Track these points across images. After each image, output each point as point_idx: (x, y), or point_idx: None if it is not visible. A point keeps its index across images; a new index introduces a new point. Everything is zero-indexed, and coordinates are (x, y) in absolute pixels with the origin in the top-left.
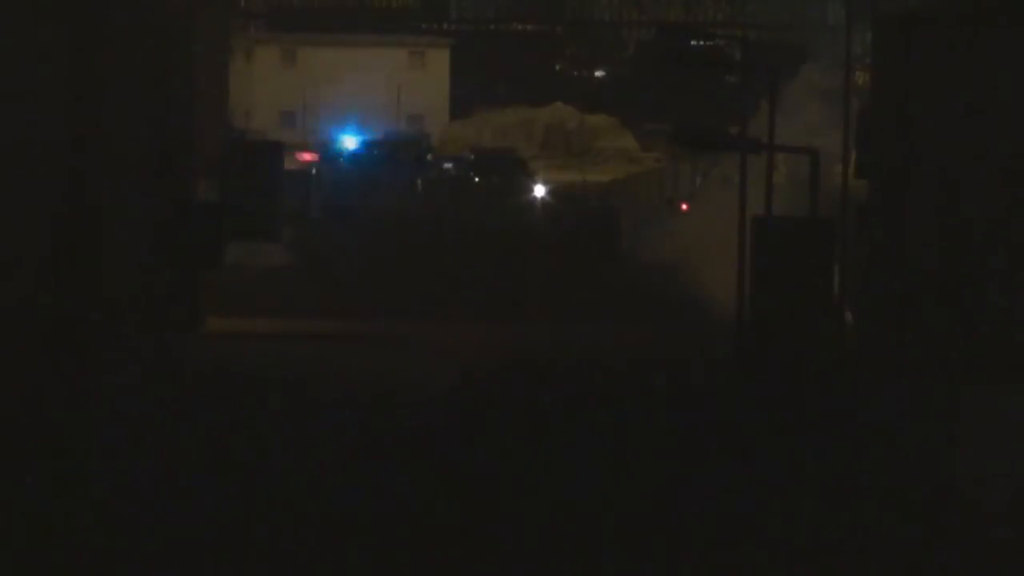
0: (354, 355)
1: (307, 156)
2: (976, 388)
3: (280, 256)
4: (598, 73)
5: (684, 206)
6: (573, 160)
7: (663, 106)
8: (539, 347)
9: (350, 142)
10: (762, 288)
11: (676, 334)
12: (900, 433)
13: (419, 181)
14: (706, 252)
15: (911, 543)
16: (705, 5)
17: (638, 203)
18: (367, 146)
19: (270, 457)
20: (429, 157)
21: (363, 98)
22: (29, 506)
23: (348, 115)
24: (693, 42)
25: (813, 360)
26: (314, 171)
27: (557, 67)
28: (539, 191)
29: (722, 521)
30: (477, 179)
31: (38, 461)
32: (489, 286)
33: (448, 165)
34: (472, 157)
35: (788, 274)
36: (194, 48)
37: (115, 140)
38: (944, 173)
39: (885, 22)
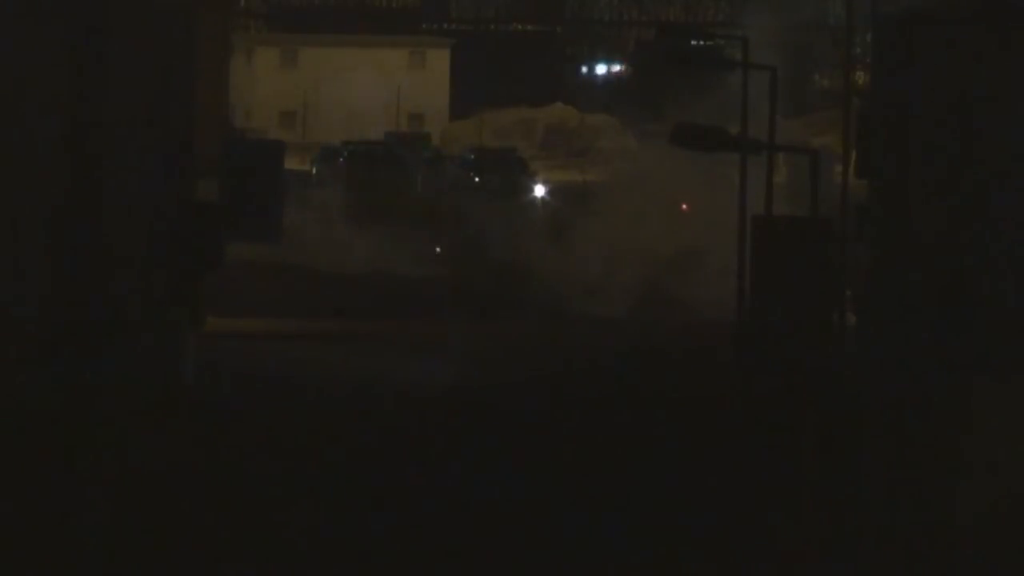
0: (354, 355)
1: None
2: (978, 386)
3: (280, 256)
4: (598, 73)
5: (684, 206)
6: (573, 160)
7: (663, 106)
8: (537, 345)
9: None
10: (761, 287)
11: (675, 333)
12: (902, 431)
13: (419, 180)
14: (706, 251)
15: (914, 540)
16: (705, 5)
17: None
18: (367, 146)
19: (270, 457)
20: (428, 155)
21: (363, 98)
22: (29, 506)
23: (348, 115)
24: (693, 42)
25: (813, 357)
26: (314, 171)
27: (557, 67)
28: (539, 191)
29: (720, 520)
30: (477, 179)
31: (38, 461)
32: (488, 285)
33: (448, 165)
34: (472, 157)
35: (788, 273)
36: (194, 48)
37: (115, 140)
38: (945, 172)
39: (885, 22)
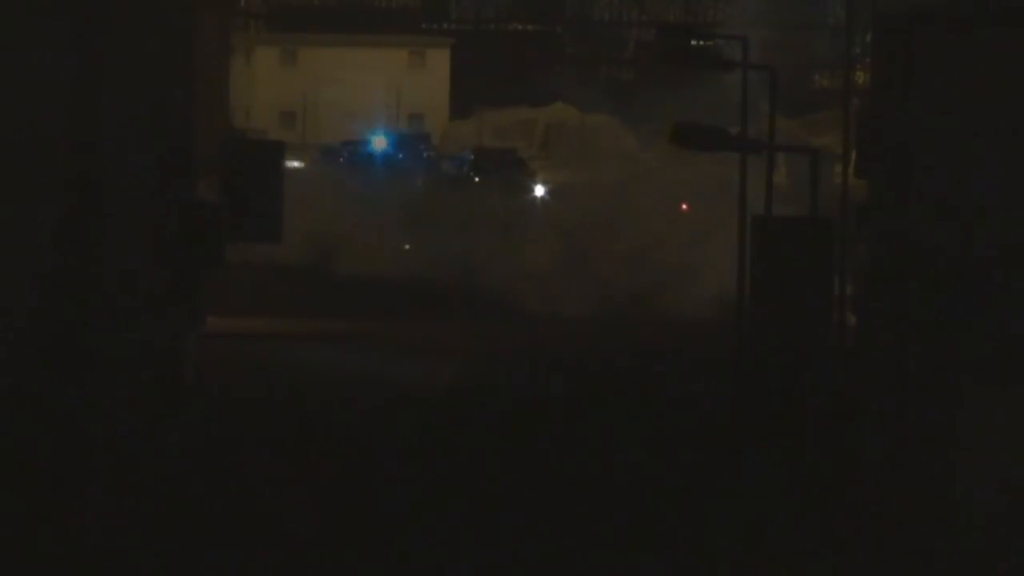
0: (354, 355)
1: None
2: (977, 388)
3: (281, 256)
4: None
5: (684, 206)
6: (573, 160)
7: (663, 106)
8: (536, 345)
9: (350, 142)
10: (761, 288)
11: (675, 332)
12: (900, 432)
13: (420, 181)
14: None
15: (911, 543)
16: (705, 5)
17: (638, 203)
18: (366, 146)
19: (270, 457)
20: (426, 155)
21: (363, 98)
22: (29, 506)
23: (348, 115)
24: (693, 42)
25: (812, 359)
26: (308, 168)
27: (557, 67)
28: (539, 191)
29: (720, 521)
30: (477, 179)
31: (38, 461)
32: (488, 285)
33: (448, 164)
34: (471, 156)
35: (788, 274)
36: (194, 48)
37: (116, 140)
38: (944, 173)
39: (885, 22)
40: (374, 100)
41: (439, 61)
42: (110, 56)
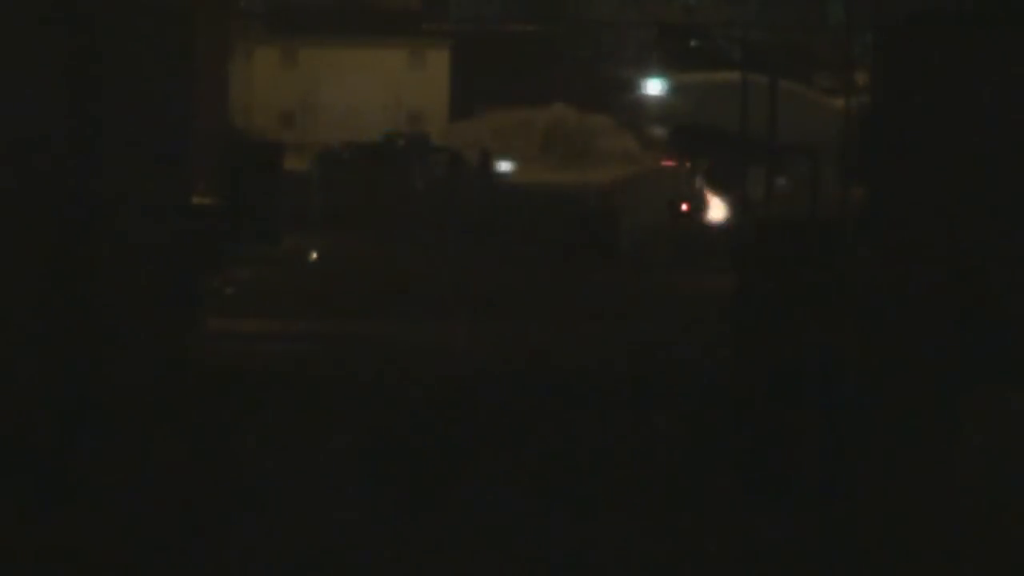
0: (354, 355)
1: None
2: (977, 388)
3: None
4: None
5: (685, 206)
6: (573, 160)
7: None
8: (535, 347)
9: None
10: (761, 289)
11: (672, 335)
12: (900, 434)
13: (419, 181)
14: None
15: (909, 544)
16: (705, 5)
17: (638, 204)
18: (367, 145)
19: (272, 458)
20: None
21: (363, 98)
22: (29, 507)
23: (348, 115)
24: (693, 42)
25: (812, 362)
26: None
27: (557, 67)
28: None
29: (719, 523)
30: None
31: (38, 461)
32: (489, 286)
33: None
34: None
35: (788, 275)
36: (194, 48)
37: (115, 141)
38: (945, 174)
39: (886, 23)
40: (374, 100)
41: (439, 61)
42: (109, 56)
